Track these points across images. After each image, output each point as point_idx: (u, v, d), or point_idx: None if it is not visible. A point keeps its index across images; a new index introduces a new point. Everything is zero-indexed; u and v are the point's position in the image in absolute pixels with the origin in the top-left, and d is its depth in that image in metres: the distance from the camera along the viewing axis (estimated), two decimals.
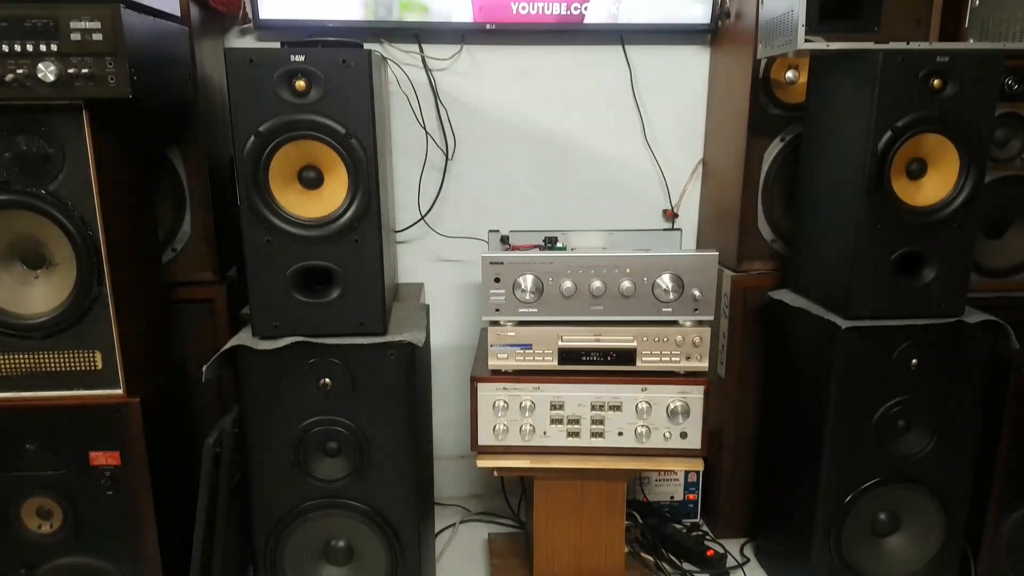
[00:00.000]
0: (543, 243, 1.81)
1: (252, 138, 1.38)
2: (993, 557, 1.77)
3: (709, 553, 1.99)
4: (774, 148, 1.88)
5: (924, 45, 1.49)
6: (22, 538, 1.49)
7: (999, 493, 1.73)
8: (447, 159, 2.14)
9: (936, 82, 1.48)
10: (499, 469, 1.72)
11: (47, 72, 1.28)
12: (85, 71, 1.29)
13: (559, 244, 1.82)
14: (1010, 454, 1.70)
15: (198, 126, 1.72)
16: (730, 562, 2.02)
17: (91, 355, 1.46)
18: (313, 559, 1.61)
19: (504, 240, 1.83)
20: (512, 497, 2.27)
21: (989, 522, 1.74)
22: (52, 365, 1.46)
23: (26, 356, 1.45)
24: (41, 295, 1.43)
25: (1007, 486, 1.72)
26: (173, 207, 1.76)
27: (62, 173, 1.38)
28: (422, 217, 2.16)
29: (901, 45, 1.48)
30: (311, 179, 1.43)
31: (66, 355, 1.46)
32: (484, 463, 1.71)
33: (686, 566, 1.99)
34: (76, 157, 1.37)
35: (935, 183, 1.56)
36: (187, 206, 1.76)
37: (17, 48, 1.28)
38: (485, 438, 1.70)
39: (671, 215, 2.23)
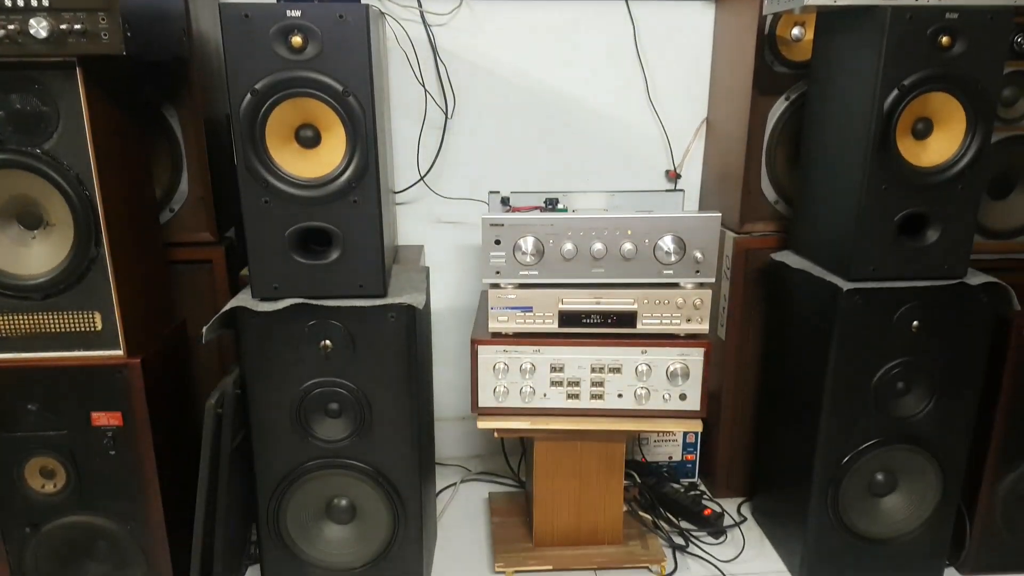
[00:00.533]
0: (544, 205, 1.80)
1: (248, 96, 1.36)
2: (988, 517, 1.79)
3: (706, 512, 2.01)
4: (779, 107, 1.85)
5: (932, 1, 1.46)
6: (26, 497, 1.50)
7: (996, 454, 1.74)
8: (447, 118, 2.11)
9: (944, 39, 1.45)
10: (499, 430, 1.73)
11: (39, 28, 1.26)
12: (78, 27, 1.27)
13: (560, 206, 1.81)
14: (1008, 415, 1.71)
15: (194, 84, 1.69)
16: (727, 521, 2.04)
17: (91, 316, 1.46)
18: (316, 517, 1.63)
19: (504, 201, 1.82)
20: (512, 457, 2.29)
21: (985, 483, 1.76)
22: (52, 326, 1.46)
23: (26, 317, 1.45)
24: (39, 256, 1.43)
25: (1004, 447, 1.73)
26: (170, 167, 1.75)
27: (57, 132, 1.36)
28: (421, 178, 2.14)
29: (909, 1, 1.44)
30: (308, 138, 1.41)
31: (66, 316, 1.46)
32: (484, 424, 1.72)
33: (684, 525, 2.02)
34: (71, 115, 1.35)
35: (941, 143, 1.54)
36: (184, 166, 1.75)
37: (8, 3, 1.25)
38: (485, 400, 1.70)
39: (674, 176, 2.20)
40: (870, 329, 1.61)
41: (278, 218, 1.44)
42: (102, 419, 1.48)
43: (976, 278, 1.61)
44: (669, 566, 1.86)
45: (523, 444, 2.17)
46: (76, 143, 1.36)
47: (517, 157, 2.17)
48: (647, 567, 1.86)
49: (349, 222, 1.45)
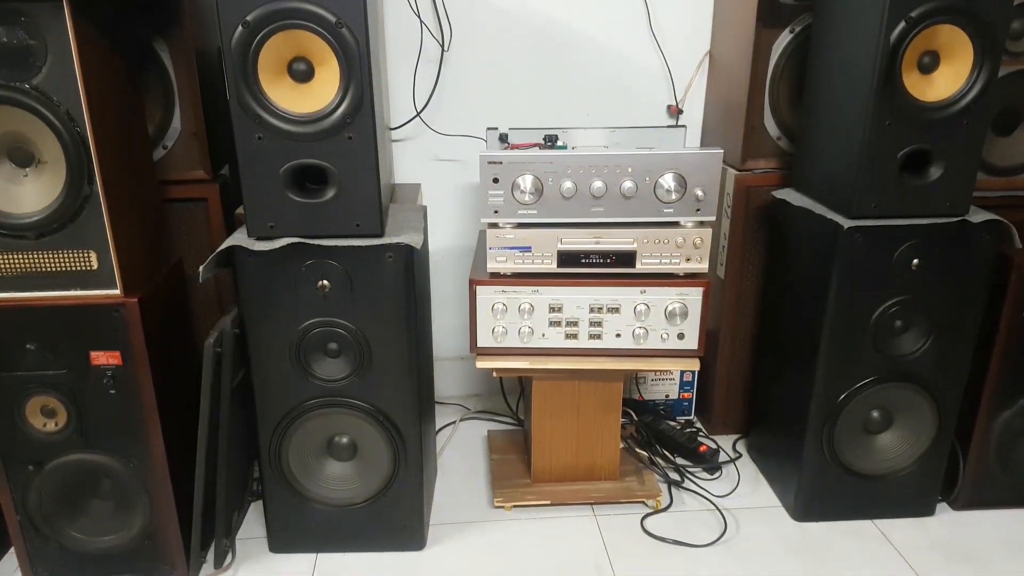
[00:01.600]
0: (543, 142, 1.77)
1: (239, 28, 1.32)
2: (982, 454, 1.81)
3: (702, 449, 2.04)
4: (783, 40, 1.81)
5: None
6: (28, 436, 1.51)
7: (992, 391, 1.75)
8: (443, 51, 2.06)
9: None
10: (498, 370, 1.74)
11: None
12: None
13: (559, 143, 1.78)
14: (1005, 353, 1.72)
15: (184, 17, 1.65)
16: (722, 457, 2.07)
17: (86, 255, 1.44)
18: (317, 455, 1.65)
19: (503, 138, 1.79)
20: (511, 396, 2.31)
21: (980, 420, 1.77)
22: (48, 265, 1.44)
23: (21, 256, 1.43)
24: (32, 194, 1.40)
25: (1000, 385, 1.74)
26: (162, 103, 1.71)
27: (45, 67, 1.32)
28: (418, 114, 2.10)
29: None
30: (302, 72, 1.37)
31: (61, 255, 1.44)
32: (483, 364, 1.73)
33: (679, 461, 2.04)
34: (59, 50, 1.31)
35: (947, 77, 1.51)
36: (176, 102, 1.71)
37: None
38: (484, 340, 1.70)
39: (675, 111, 2.17)
40: (870, 267, 1.61)
41: (272, 155, 1.41)
42: (101, 358, 1.48)
43: (978, 216, 1.59)
44: (665, 501, 1.89)
45: (521, 383, 2.19)
46: (66, 78, 1.33)
47: (516, 92, 2.13)
48: (643, 502, 1.89)
49: (344, 159, 1.42)
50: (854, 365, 1.69)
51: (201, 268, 1.46)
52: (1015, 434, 1.80)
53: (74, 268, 1.45)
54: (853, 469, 1.78)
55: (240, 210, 1.49)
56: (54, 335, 1.46)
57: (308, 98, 1.39)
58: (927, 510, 1.84)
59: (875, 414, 1.75)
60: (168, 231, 1.78)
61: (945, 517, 1.85)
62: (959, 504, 1.86)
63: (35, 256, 1.44)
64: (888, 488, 1.80)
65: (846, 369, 1.69)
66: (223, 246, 1.47)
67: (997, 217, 1.59)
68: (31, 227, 1.41)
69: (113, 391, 1.50)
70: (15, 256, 1.43)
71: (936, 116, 1.51)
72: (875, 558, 1.72)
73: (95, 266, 1.45)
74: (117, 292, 1.46)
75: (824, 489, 1.80)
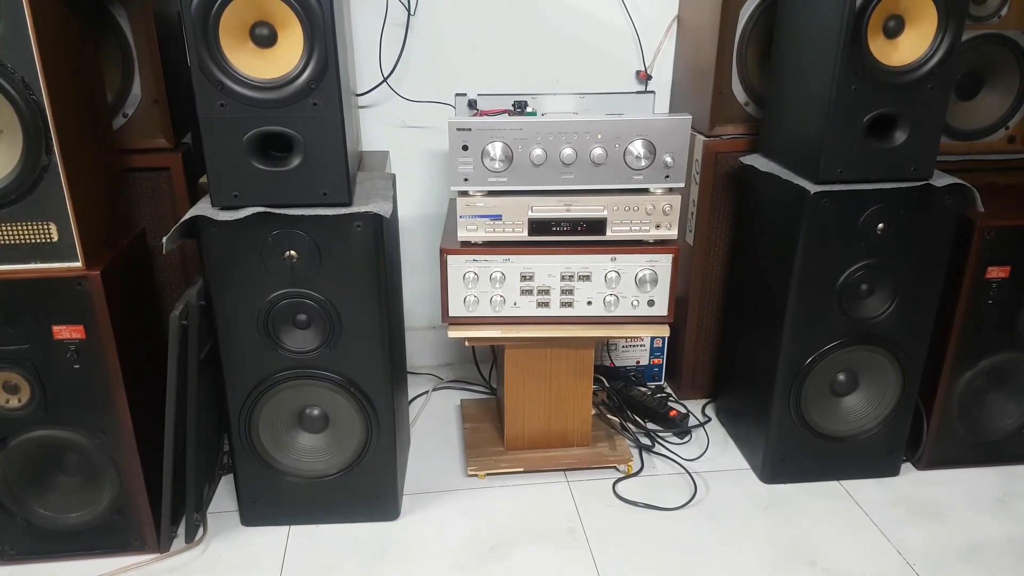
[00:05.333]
0: (512, 108, 1.76)
1: None
2: (945, 414, 1.85)
3: (672, 413, 2.06)
4: (751, 4, 1.81)
5: None
6: None
7: (954, 353, 1.78)
8: (409, 15, 2.03)
9: None
10: (470, 339, 1.73)
11: None
12: None
13: (529, 109, 1.77)
14: (967, 315, 1.75)
15: None
16: (692, 421, 2.10)
17: (46, 227, 1.41)
18: (288, 427, 1.64)
19: (472, 104, 1.77)
20: (483, 365, 2.32)
21: (943, 381, 1.81)
22: (6, 238, 1.41)
23: None
24: None
25: (961, 347, 1.78)
26: (121, 69, 1.66)
27: None
28: (384, 79, 2.07)
29: None
30: (264, 36, 1.34)
31: (20, 227, 1.41)
32: (455, 334, 1.72)
33: (650, 426, 2.07)
34: (12, 15, 1.26)
35: (912, 41, 1.51)
36: (135, 68, 1.67)
37: None
38: (456, 309, 1.70)
39: (644, 77, 2.16)
40: (836, 231, 1.62)
41: (236, 122, 1.38)
42: (64, 332, 1.45)
43: (942, 180, 1.61)
44: (636, 465, 1.92)
45: (494, 352, 2.19)
46: (20, 44, 1.28)
47: (485, 57, 2.10)
48: (615, 467, 1.91)
49: (310, 126, 1.40)
50: (821, 328, 1.71)
51: (165, 239, 1.43)
52: (977, 393, 1.84)
53: (34, 240, 1.41)
54: (820, 431, 1.81)
55: (204, 179, 1.46)
56: (15, 309, 1.43)
57: (271, 63, 1.36)
58: (892, 470, 1.89)
59: (841, 376, 1.78)
60: (130, 201, 1.74)
61: (910, 476, 1.90)
62: (923, 464, 1.91)
63: None
64: (854, 449, 1.84)
65: (813, 332, 1.71)
66: (187, 216, 1.44)
67: (960, 181, 1.61)
68: None
69: (77, 365, 1.47)
70: None
71: (901, 80, 1.52)
72: (842, 516, 1.76)
73: (55, 238, 1.41)
74: (79, 264, 1.43)
75: (791, 451, 1.83)
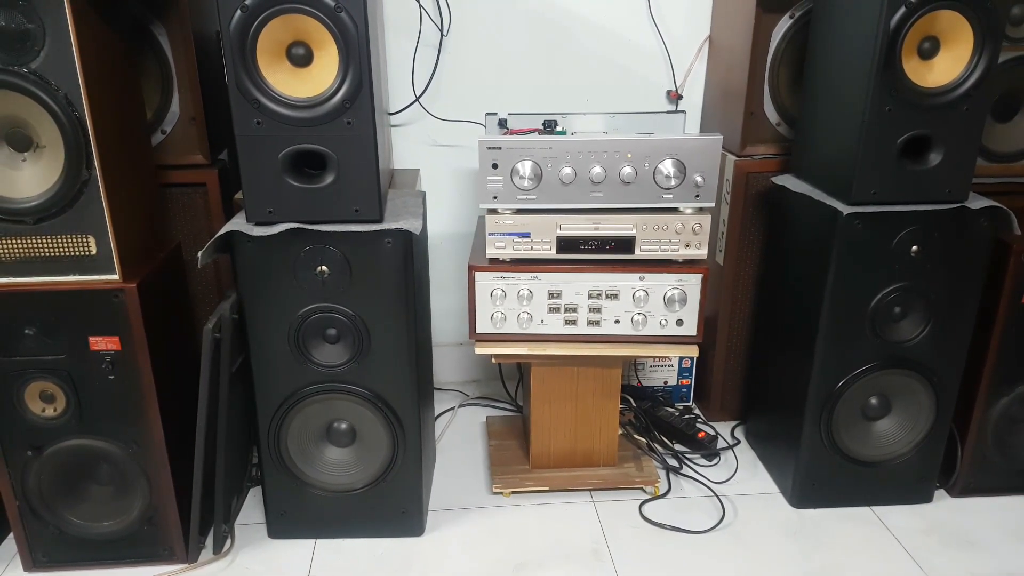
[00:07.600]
0: (542, 127, 1.77)
1: (238, 12, 1.31)
2: (980, 441, 1.82)
3: (700, 435, 2.04)
4: (783, 25, 1.81)
5: None
6: (27, 421, 1.51)
7: (989, 378, 1.75)
8: (442, 35, 2.06)
9: None
10: (497, 356, 1.74)
11: None
12: None
13: (559, 128, 1.78)
14: (1003, 340, 1.72)
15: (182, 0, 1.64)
16: (720, 443, 2.08)
17: (85, 240, 1.44)
18: (316, 440, 1.65)
19: (502, 123, 1.79)
20: (509, 382, 2.32)
21: (978, 407, 1.78)
22: (47, 250, 1.44)
23: (20, 241, 1.43)
24: (30, 178, 1.40)
25: (998, 372, 1.75)
26: (160, 87, 1.71)
27: (43, 50, 1.31)
28: (417, 99, 2.10)
29: None
30: (300, 56, 1.37)
31: (60, 240, 1.44)
32: (482, 350, 1.73)
33: (678, 447, 2.05)
34: (57, 33, 1.30)
35: (947, 63, 1.50)
36: (174, 86, 1.70)
37: None
38: (483, 326, 1.70)
39: (675, 96, 2.16)
40: (869, 254, 1.61)
41: (271, 140, 1.41)
42: (100, 343, 1.48)
43: (977, 202, 1.59)
44: (663, 487, 1.90)
45: (520, 369, 2.19)
46: (64, 62, 1.32)
47: (515, 77, 2.12)
48: (641, 488, 1.89)
49: (343, 144, 1.42)
50: (853, 351, 1.69)
51: (200, 253, 1.46)
52: (1013, 421, 1.81)
53: (73, 253, 1.45)
54: (851, 455, 1.78)
55: (239, 195, 1.49)
56: (53, 320, 1.46)
57: (307, 83, 1.39)
58: (925, 497, 1.85)
59: (873, 400, 1.75)
60: (167, 216, 1.77)
61: (942, 503, 1.86)
62: (956, 491, 1.87)
63: (34, 241, 1.43)
64: (886, 474, 1.81)
65: (845, 355, 1.69)
66: (222, 231, 1.47)
67: (996, 203, 1.59)
68: (29, 212, 1.40)
69: (112, 376, 1.50)
70: (13, 241, 1.43)
71: (936, 102, 1.50)
72: (872, 543, 1.73)
73: (94, 251, 1.45)
74: (116, 277, 1.46)
75: (822, 475, 1.80)
